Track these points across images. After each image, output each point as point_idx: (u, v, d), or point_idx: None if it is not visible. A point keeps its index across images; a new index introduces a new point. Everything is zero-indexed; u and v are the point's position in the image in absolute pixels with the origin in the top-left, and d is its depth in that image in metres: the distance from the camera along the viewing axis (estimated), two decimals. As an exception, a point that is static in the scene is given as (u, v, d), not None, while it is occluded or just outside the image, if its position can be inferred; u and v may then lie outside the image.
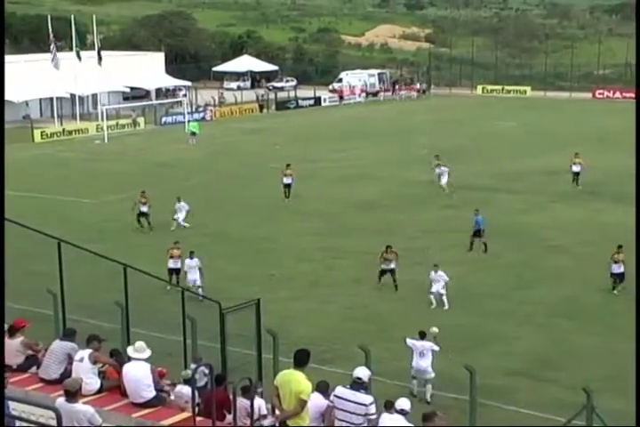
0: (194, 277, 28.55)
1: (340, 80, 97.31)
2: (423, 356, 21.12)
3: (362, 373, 12.72)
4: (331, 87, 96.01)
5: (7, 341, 14.91)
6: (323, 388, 12.75)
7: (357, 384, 12.56)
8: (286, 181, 42.28)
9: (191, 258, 28.91)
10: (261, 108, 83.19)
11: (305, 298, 28.38)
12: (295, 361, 11.52)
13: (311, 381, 11.55)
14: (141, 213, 36.33)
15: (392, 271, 29.30)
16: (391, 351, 22.39)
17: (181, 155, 56.43)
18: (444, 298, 27.62)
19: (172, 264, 29.23)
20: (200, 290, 27.36)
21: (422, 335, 21.34)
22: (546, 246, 34.42)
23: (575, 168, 45.07)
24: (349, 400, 12.31)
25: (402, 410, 13.12)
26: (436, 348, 21.17)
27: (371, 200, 42.42)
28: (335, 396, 12.48)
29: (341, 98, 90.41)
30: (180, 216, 36.28)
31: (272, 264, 31.95)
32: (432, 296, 27.76)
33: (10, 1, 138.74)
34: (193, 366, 16.73)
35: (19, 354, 14.89)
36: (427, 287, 27.94)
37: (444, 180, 43.71)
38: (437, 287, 27.71)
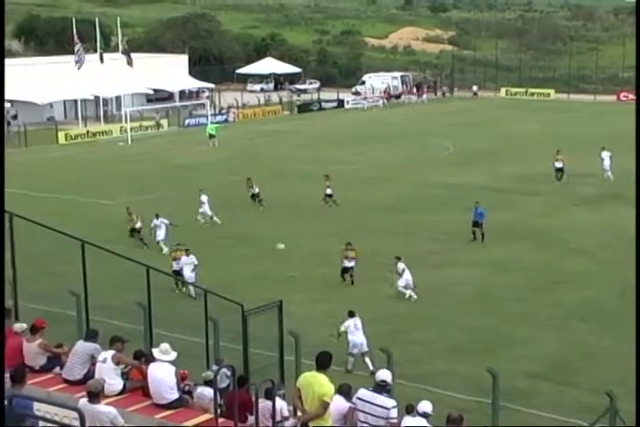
0: (189, 274, 28.77)
1: (363, 82, 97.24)
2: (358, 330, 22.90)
3: (386, 375, 12.68)
4: (354, 90, 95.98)
5: (26, 343, 15.01)
6: (344, 390, 12.73)
7: (381, 387, 12.54)
8: (328, 191, 42.13)
9: (187, 255, 29.24)
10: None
11: (326, 300, 28.39)
12: (317, 363, 11.54)
13: (333, 383, 11.56)
14: (133, 229, 35.49)
15: (351, 269, 30.24)
16: (409, 353, 22.37)
17: (203, 157, 56.57)
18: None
19: (175, 266, 29.41)
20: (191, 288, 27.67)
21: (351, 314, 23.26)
22: (566, 249, 34.32)
23: (558, 164, 46.81)
24: (372, 403, 12.29)
25: (424, 413, 13.11)
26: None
27: (391, 202, 42.40)
28: (358, 398, 12.47)
29: (364, 100, 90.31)
30: (160, 234, 34.39)
31: (292, 266, 32.01)
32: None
33: (35, 4, 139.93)
34: (215, 367, 16.77)
35: (38, 356, 14.97)
36: (442, 289, 27.98)
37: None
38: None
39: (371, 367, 22.16)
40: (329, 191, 41.81)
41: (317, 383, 11.33)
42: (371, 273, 30.69)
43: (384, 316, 26.76)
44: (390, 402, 12.34)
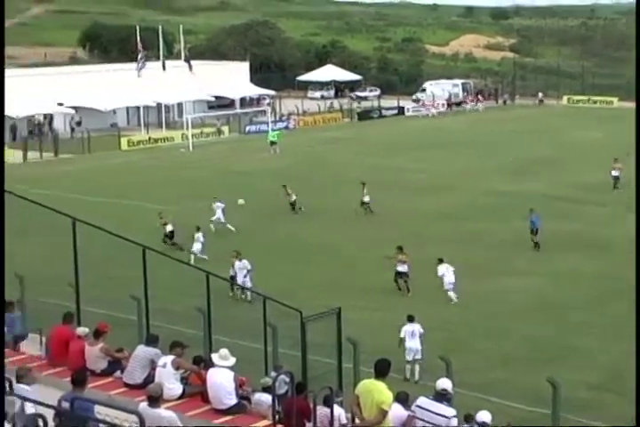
0: (242, 279, 28.83)
1: (424, 90, 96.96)
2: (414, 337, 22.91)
3: (446, 384, 12.62)
4: (414, 97, 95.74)
5: (88, 347, 15.20)
6: (402, 398, 12.68)
7: (441, 396, 12.47)
8: (365, 199, 42.12)
9: (240, 260, 29.30)
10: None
11: (384, 307, 28.32)
12: (376, 371, 11.52)
13: (391, 391, 11.52)
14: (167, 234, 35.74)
15: (405, 275, 30.15)
16: (467, 362, 22.22)
17: (262, 164, 56.79)
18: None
19: (231, 272, 29.46)
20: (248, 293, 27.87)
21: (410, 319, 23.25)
22: (625, 258, 33.82)
23: (614, 173, 47.45)
24: (431, 411, 12.24)
25: (482, 423, 13.01)
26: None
27: (449, 210, 42.19)
28: (417, 406, 12.42)
29: (424, 107, 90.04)
30: (196, 246, 34.09)
31: (351, 273, 31.98)
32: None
33: (100, 12, 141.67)
34: (273, 373, 16.79)
35: (100, 360, 15.14)
36: (500, 298, 27.75)
37: None
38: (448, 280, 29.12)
39: (416, 377, 22.16)
40: (366, 199, 41.70)
41: (376, 391, 11.31)
42: (428, 280, 30.58)
43: (441, 323, 26.59)
44: (450, 411, 12.27)
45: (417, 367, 22.77)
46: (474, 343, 25.05)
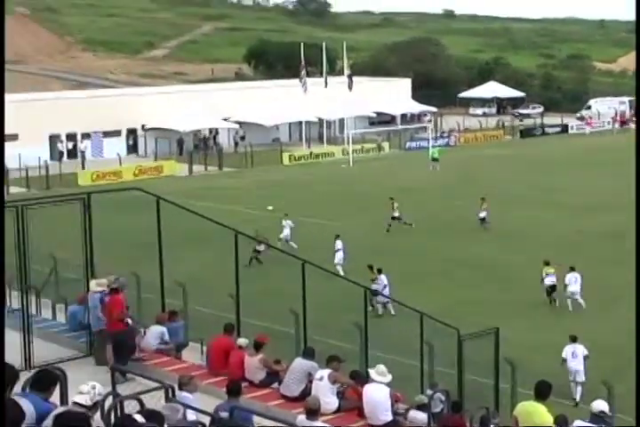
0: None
1: (589, 107, 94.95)
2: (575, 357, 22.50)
3: (603, 406, 12.30)
4: (578, 115, 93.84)
5: (248, 358, 15.47)
6: (561, 421, 12.38)
7: (598, 418, 12.16)
8: (482, 215, 41.90)
9: (379, 275, 29.19)
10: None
11: (544, 327, 27.77)
12: (536, 393, 11.30)
13: (550, 413, 11.28)
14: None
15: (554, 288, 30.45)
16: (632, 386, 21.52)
17: (423, 180, 56.65)
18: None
19: (374, 286, 29.07)
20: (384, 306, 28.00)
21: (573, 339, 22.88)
22: None
23: None
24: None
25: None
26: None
27: (614, 229, 41.01)
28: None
29: (589, 125, 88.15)
30: (338, 257, 34.10)
31: (511, 292, 31.53)
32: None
33: (266, 29, 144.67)
34: (429, 391, 16.70)
35: (259, 371, 15.38)
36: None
37: None
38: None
39: (577, 397, 21.76)
40: (482, 215, 41.58)
41: (537, 414, 11.10)
42: (595, 301, 29.91)
43: (606, 347, 25.85)
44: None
45: (579, 389, 22.31)
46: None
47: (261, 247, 33.06)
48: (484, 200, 42.19)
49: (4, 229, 8.52)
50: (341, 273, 31.21)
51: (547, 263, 30.93)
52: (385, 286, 29.31)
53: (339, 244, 34.50)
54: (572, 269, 30.00)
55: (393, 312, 28.46)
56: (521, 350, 23.07)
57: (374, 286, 28.46)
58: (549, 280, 30.44)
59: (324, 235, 40.39)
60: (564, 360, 22.66)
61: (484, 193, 43.87)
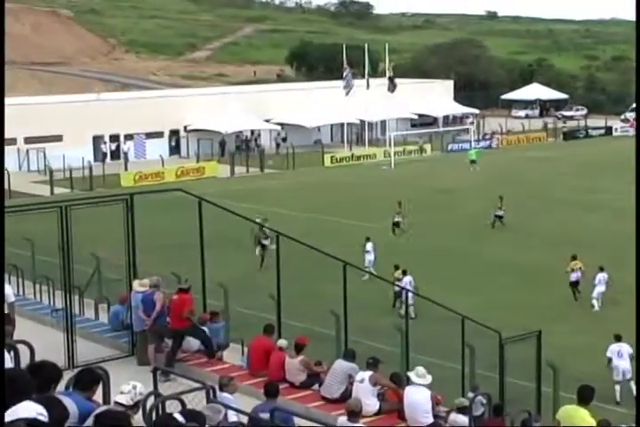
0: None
1: (633, 109, 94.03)
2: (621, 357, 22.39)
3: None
4: (622, 117, 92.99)
5: (288, 359, 15.50)
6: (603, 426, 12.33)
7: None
8: (499, 213, 42.36)
9: (404, 276, 29.07)
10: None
11: (587, 331, 27.55)
12: (579, 397, 11.21)
13: (593, 418, 11.20)
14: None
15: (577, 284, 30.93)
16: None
17: (463, 182, 56.38)
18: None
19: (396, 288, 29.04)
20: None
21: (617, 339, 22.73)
22: None
23: None
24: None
25: None
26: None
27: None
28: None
29: (633, 127, 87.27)
30: (369, 258, 33.55)
31: (553, 295, 31.31)
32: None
33: (308, 31, 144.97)
34: (470, 394, 16.62)
35: (299, 372, 15.39)
36: None
37: None
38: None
39: (617, 398, 21.70)
40: (500, 213, 42.11)
41: (579, 418, 11.01)
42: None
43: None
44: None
45: (633, 385, 22.17)
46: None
47: (267, 242, 32.56)
48: (502, 199, 42.40)
49: (4, 229, 8.60)
50: (370, 274, 30.26)
51: (574, 257, 31.36)
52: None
53: (369, 246, 34.27)
54: (602, 270, 30.17)
55: (413, 315, 27.93)
56: (562, 353, 22.90)
57: (397, 288, 28.17)
58: (574, 276, 30.91)
59: (362, 237, 40.43)
60: (610, 360, 22.48)
61: (501, 193, 43.93)
